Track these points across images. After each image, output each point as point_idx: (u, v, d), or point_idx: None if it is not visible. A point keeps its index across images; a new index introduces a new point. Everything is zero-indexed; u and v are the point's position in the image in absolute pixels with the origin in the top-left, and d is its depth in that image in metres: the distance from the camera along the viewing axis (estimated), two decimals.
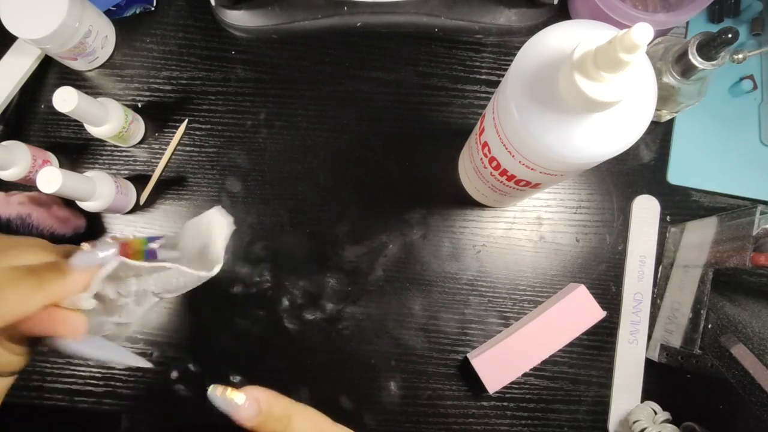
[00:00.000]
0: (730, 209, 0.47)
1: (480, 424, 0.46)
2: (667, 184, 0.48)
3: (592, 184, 0.48)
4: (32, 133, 0.49)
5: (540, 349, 0.43)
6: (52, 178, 0.39)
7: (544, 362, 0.43)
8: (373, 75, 0.50)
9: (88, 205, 0.44)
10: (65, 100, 0.40)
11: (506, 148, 0.32)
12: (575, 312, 0.44)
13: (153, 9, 0.50)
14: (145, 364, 0.28)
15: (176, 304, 0.47)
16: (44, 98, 0.50)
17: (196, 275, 0.27)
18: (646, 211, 0.47)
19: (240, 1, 0.49)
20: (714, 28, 0.48)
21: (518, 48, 0.29)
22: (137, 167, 0.49)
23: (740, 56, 0.44)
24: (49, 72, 0.50)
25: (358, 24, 0.50)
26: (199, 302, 0.47)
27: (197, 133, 0.49)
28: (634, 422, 0.43)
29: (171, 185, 0.49)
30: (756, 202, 0.47)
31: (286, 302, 0.47)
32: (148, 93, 0.50)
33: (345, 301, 0.47)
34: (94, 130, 0.45)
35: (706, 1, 0.42)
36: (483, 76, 0.50)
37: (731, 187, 0.48)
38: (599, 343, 0.46)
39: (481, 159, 0.37)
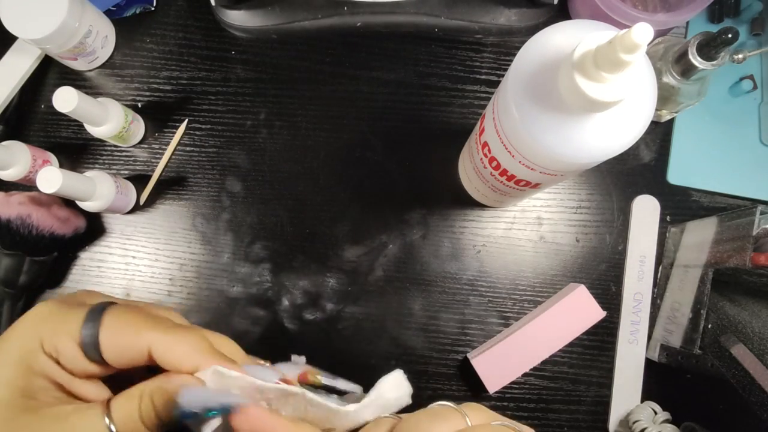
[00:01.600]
0: (730, 209, 0.47)
1: None
2: (667, 184, 0.48)
3: (592, 184, 0.48)
4: (32, 133, 0.49)
5: (540, 349, 0.43)
6: (52, 178, 0.39)
7: (544, 362, 0.43)
8: (373, 75, 0.50)
9: (88, 205, 0.44)
10: (65, 100, 0.40)
11: (506, 148, 0.32)
12: (575, 312, 0.44)
13: (153, 9, 0.50)
14: None
15: (176, 304, 0.47)
16: (44, 98, 0.50)
17: (326, 406, 0.25)
18: (646, 211, 0.47)
19: (240, 1, 0.49)
20: (714, 28, 0.48)
21: (518, 48, 0.29)
22: (137, 167, 0.49)
23: (740, 56, 0.44)
24: (49, 72, 0.50)
25: (358, 24, 0.49)
26: (200, 302, 0.47)
27: (197, 133, 0.49)
28: (634, 422, 0.43)
29: (171, 185, 0.49)
30: (756, 202, 0.47)
31: (286, 302, 0.47)
32: (148, 93, 0.50)
33: (345, 301, 0.47)
34: (94, 130, 0.45)
35: (706, 1, 0.42)
36: (483, 76, 0.50)
37: (731, 187, 0.48)
38: (599, 343, 0.46)
39: (481, 159, 0.37)
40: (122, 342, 0.24)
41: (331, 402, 0.25)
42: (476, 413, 0.23)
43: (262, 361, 0.28)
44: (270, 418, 0.23)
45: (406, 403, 0.28)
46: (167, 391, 0.23)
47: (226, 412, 0.22)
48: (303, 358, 0.30)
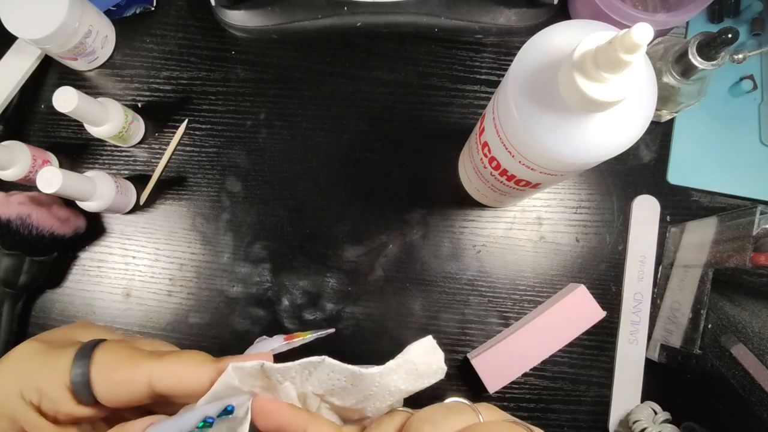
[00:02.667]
0: (730, 209, 0.47)
1: None
2: (667, 184, 0.48)
3: (592, 184, 0.48)
4: (32, 133, 0.49)
5: (540, 349, 0.43)
6: (52, 178, 0.39)
7: (544, 362, 0.43)
8: (373, 75, 0.50)
9: (88, 205, 0.44)
10: (65, 100, 0.40)
11: (506, 148, 0.32)
12: (575, 312, 0.44)
13: (153, 9, 0.50)
14: None
15: (176, 304, 0.47)
16: (44, 98, 0.50)
17: (348, 370, 0.24)
18: (646, 211, 0.47)
19: (240, 1, 0.49)
20: (714, 28, 0.48)
21: (518, 48, 0.29)
22: (137, 167, 0.49)
23: (740, 56, 0.44)
24: (49, 72, 0.50)
25: (358, 24, 0.49)
26: (200, 302, 0.47)
27: (197, 133, 0.49)
28: (634, 422, 0.43)
29: (171, 185, 0.49)
30: (756, 202, 0.47)
31: (286, 302, 0.47)
32: (148, 93, 0.50)
33: (345, 301, 0.47)
34: (94, 130, 0.45)
35: (706, 1, 0.42)
36: (483, 76, 0.50)
37: (731, 187, 0.48)
38: (599, 343, 0.46)
39: (481, 159, 0.37)
40: (118, 378, 0.23)
41: (353, 367, 0.24)
42: (489, 412, 0.22)
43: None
44: (290, 412, 0.23)
45: (441, 371, 0.26)
46: None
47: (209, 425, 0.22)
48: (278, 336, 0.29)
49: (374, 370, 0.24)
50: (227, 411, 0.22)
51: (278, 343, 0.27)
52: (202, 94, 0.50)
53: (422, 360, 0.26)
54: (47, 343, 0.24)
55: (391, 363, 0.25)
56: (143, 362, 0.23)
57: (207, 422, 0.21)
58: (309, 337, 0.25)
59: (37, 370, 0.23)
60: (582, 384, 0.46)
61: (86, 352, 0.23)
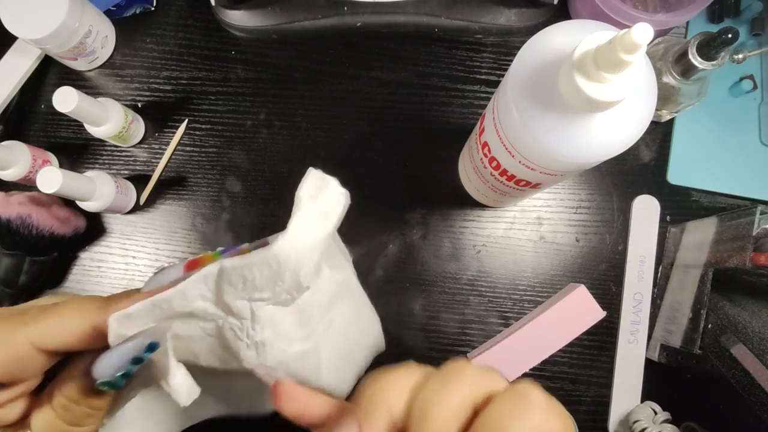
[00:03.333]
0: (730, 209, 0.47)
1: None
2: (667, 184, 0.48)
3: (592, 184, 0.48)
4: (32, 133, 0.49)
5: (540, 349, 0.43)
6: (52, 178, 0.39)
7: (544, 362, 0.43)
8: (373, 75, 0.50)
9: (88, 205, 0.44)
10: (65, 100, 0.40)
11: (506, 148, 0.32)
12: (575, 312, 0.44)
13: (153, 9, 0.50)
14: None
15: None
16: (44, 98, 0.50)
17: (249, 257, 0.21)
18: (646, 211, 0.47)
19: (240, 1, 0.49)
20: (714, 28, 0.48)
21: (518, 48, 0.29)
22: (137, 167, 0.49)
23: (740, 56, 0.44)
24: (49, 72, 0.50)
25: (358, 24, 0.49)
26: None
27: (197, 133, 0.49)
28: (634, 422, 0.43)
29: (171, 185, 0.49)
30: (756, 202, 0.47)
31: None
32: (148, 93, 0.50)
33: None
34: (94, 130, 0.45)
35: (706, 1, 0.42)
36: (483, 76, 0.50)
37: (731, 187, 0.48)
38: (599, 343, 0.46)
39: (481, 159, 0.37)
40: (2, 357, 0.21)
41: (252, 256, 0.21)
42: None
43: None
44: (312, 398, 0.21)
45: (341, 196, 0.23)
46: (75, 377, 0.21)
47: (139, 361, 0.20)
48: (176, 265, 0.25)
49: (276, 239, 0.22)
50: (152, 348, 0.20)
51: (176, 273, 0.23)
52: (202, 94, 0.50)
53: (310, 195, 0.23)
54: None
55: (290, 224, 0.22)
56: (19, 331, 0.21)
57: (138, 359, 0.20)
58: (218, 260, 0.21)
59: None
60: (582, 384, 0.46)
61: None
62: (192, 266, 0.23)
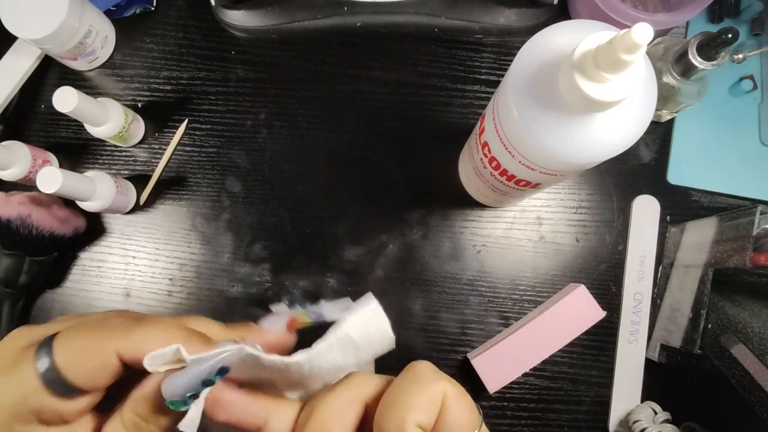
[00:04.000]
0: (730, 209, 0.47)
1: None
2: (667, 184, 0.48)
3: (592, 184, 0.48)
4: (32, 133, 0.49)
5: (540, 349, 0.43)
6: (52, 178, 0.39)
7: (544, 362, 0.43)
8: (373, 75, 0.50)
9: (88, 205, 0.44)
10: (65, 100, 0.40)
11: (506, 148, 0.32)
12: (575, 312, 0.44)
13: (153, 9, 0.50)
14: None
15: (176, 304, 0.47)
16: (44, 98, 0.50)
17: (270, 361, 0.22)
18: (646, 211, 0.47)
19: (240, 1, 0.49)
20: (714, 28, 0.48)
21: (518, 48, 0.29)
22: (137, 167, 0.49)
23: (740, 56, 0.44)
24: (49, 72, 0.50)
25: (358, 24, 0.49)
26: (200, 302, 0.47)
27: (197, 133, 0.49)
28: (634, 422, 0.43)
29: (171, 185, 0.49)
30: (756, 202, 0.47)
31: (286, 302, 0.47)
32: (148, 93, 0.50)
33: None
34: (94, 130, 0.45)
35: (706, 1, 0.42)
36: (483, 76, 0.50)
37: (731, 187, 0.48)
38: (599, 343, 0.46)
39: (481, 159, 0.37)
40: (87, 363, 0.22)
41: (273, 357, 0.22)
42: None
43: (239, 334, 0.25)
44: (247, 401, 0.22)
45: (387, 339, 0.23)
46: (147, 396, 0.22)
47: (209, 383, 0.21)
48: (283, 306, 0.28)
49: (300, 357, 0.22)
50: (222, 372, 0.21)
51: (280, 326, 0.25)
52: (202, 94, 0.50)
53: (360, 332, 0.23)
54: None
55: (321, 344, 0.23)
56: (108, 341, 0.22)
57: (209, 381, 0.21)
58: (251, 351, 0.22)
59: (7, 392, 0.21)
60: (582, 384, 0.46)
61: (45, 346, 0.22)
62: (291, 326, 0.26)
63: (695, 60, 0.38)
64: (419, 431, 0.20)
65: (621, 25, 0.31)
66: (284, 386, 0.24)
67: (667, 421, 0.43)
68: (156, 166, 0.49)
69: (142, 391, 0.22)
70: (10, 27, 0.43)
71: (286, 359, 0.22)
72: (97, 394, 0.23)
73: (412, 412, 0.20)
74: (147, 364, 0.21)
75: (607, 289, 0.47)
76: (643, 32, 0.22)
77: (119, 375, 0.23)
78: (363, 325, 0.23)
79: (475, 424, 0.20)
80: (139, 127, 0.48)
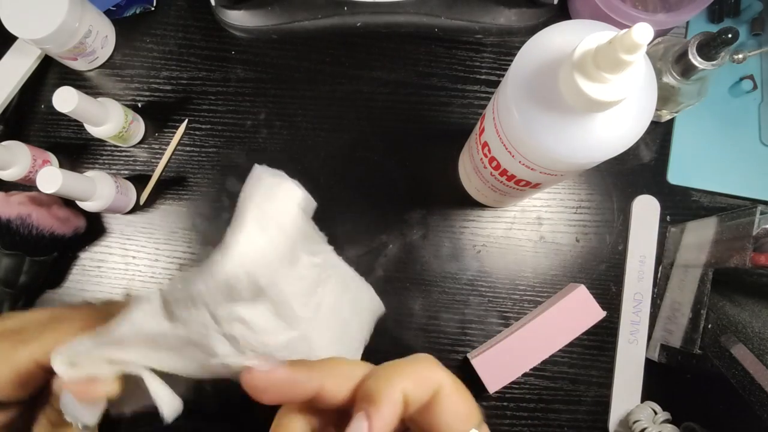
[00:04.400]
0: (730, 209, 0.47)
1: None
2: (667, 184, 0.48)
3: (592, 184, 0.48)
4: (32, 133, 0.49)
5: (540, 349, 0.43)
6: (52, 178, 0.39)
7: (544, 362, 0.43)
8: (373, 75, 0.50)
9: (88, 205, 0.44)
10: (65, 100, 0.40)
11: (506, 148, 0.32)
12: (575, 312, 0.44)
13: (153, 9, 0.50)
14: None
15: None
16: (44, 98, 0.50)
17: (189, 275, 0.20)
18: (646, 211, 0.47)
19: (240, 1, 0.49)
20: (714, 28, 0.48)
21: (518, 48, 0.29)
22: (137, 167, 0.49)
23: (740, 56, 0.44)
24: (49, 72, 0.50)
25: (358, 24, 0.49)
26: None
27: (197, 133, 0.49)
28: (634, 422, 0.43)
29: (171, 185, 0.49)
30: (756, 202, 0.47)
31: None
32: (148, 93, 0.50)
33: None
34: (94, 130, 0.45)
35: (706, 1, 0.42)
36: (483, 76, 0.50)
37: (731, 187, 0.48)
38: (599, 343, 0.46)
39: (481, 159, 0.37)
40: (6, 376, 0.21)
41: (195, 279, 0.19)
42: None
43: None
44: (293, 375, 0.19)
45: (295, 205, 0.21)
46: (53, 404, 0.21)
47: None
48: None
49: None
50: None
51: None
52: (202, 94, 0.50)
53: (263, 198, 0.21)
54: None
55: (233, 236, 0.21)
56: (19, 346, 0.21)
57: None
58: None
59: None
60: (582, 384, 0.46)
61: None
62: None
63: (695, 60, 0.38)
64: (401, 397, 0.18)
65: (621, 25, 0.31)
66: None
67: (667, 421, 0.43)
68: (156, 166, 0.49)
69: (54, 396, 0.21)
70: (10, 27, 0.43)
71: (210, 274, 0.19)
72: (20, 406, 0.22)
73: (399, 377, 0.19)
74: (55, 368, 0.20)
75: (607, 289, 0.47)
76: (643, 32, 0.22)
77: (45, 381, 0.22)
78: (259, 186, 0.21)
79: (475, 421, 0.20)
80: (139, 127, 0.48)
